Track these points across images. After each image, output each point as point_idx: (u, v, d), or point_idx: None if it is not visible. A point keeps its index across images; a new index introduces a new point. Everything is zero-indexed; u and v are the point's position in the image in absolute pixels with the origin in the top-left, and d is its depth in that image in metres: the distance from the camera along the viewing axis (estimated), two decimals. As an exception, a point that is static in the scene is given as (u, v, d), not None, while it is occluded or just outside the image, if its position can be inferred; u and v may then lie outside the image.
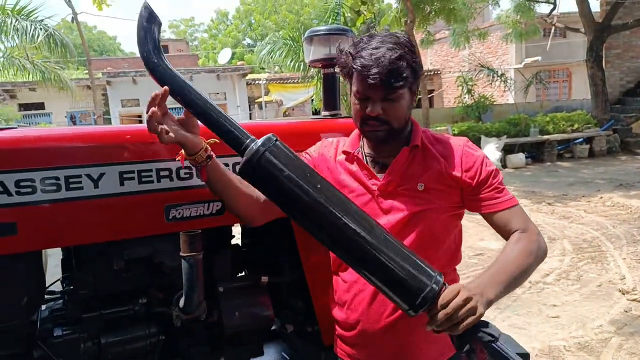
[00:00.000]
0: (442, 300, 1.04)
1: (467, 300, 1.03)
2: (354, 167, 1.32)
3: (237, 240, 1.88)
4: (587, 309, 3.86)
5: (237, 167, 1.20)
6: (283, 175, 1.11)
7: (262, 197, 1.26)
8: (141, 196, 1.36)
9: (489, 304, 1.07)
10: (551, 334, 3.44)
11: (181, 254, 1.30)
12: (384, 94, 1.20)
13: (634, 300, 3.93)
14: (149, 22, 1.18)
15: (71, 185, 1.27)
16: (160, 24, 1.20)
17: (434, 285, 1.04)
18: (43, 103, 18.26)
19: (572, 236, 5.81)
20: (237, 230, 1.91)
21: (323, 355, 1.72)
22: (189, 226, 1.38)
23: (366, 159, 1.33)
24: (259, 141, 1.14)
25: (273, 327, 1.99)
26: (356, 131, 1.37)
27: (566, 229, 6.14)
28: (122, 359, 1.47)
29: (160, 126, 1.16)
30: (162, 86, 1.17)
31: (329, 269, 1.43)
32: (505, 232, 1.27)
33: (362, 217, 1.12)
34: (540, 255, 1.22)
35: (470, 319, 1.02)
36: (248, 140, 1.16)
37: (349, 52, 1.24)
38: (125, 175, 1.34)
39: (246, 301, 1.57)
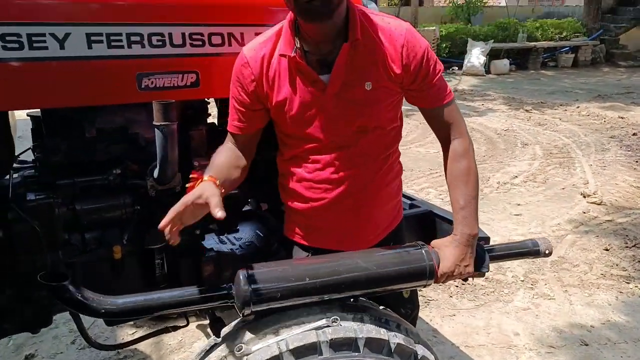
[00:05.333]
0: (441, 277, 1.25)
1: (458, 267, 1.24)
2: (295, 70, 1.22)
3: (213, 119, 1.85)
4: (549, 209, 4.07)
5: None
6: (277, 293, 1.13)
7: (242, 148, 1.34)
8: (111, 61, 1.31)
9: (475, 240, 1.27)
10: (512, 230, 3.65)
11: (154, 122, 1.28)
12: None
13: (593, 203, 4.15)
14: None
15: (34, 44, 1.20)
16: None
17: (429, 263, 1.22)
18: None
19: (544, 142, 5.94)
20: (213, 111, 1.88)
21: (295, 232, 1.79)
22: (163, 96, 1.34)
23: (307, 59, 1.22)
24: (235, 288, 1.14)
25: (249, 207, 2.05)
26: (288, 29, 1.23)
27: (539, 135, 6.26)
28: (99, 226, 1.50)
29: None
30: None
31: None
32: (438, 130, 1.32)
33: (343, 261, 1.21)
34: (473, 155, 1.33)
35: (465, 274, 1.27)
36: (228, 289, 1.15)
37: None
38: (93, 38, 1.28)
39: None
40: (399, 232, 1.50)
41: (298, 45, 1.21)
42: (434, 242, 1.30)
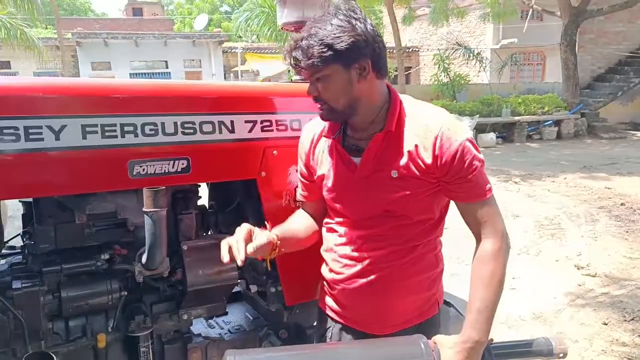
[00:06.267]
0: None
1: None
2: (334, 150, 1.32)
3: (204, 201, 1.88)
4: (544, 282, 4.03)
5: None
6: None
7: (312, 214, 1.45)
8: (104, 151, 1.35)
9: (483, 347, 1.17)
10: (508, 305, 3.58)
11: (144, 209, 1.30)
12: (309, 74, 1.20)
13: (587, 274, 4.12)
14: None
15: (31, 136, 1.25)
16: None
17: (426, 357, 1.13)
18: (9, 62, 17.52)
19: (534, 214, 6.00)
20: (204, 192, 1.91)
21: (286, 314, 1.76)
22: (153, 183, 1.37)
23: (345, 142, 1.32)
24: None
25: (238, 289, 2.03)
26: None
27: (530, 206, 6.34)
28: (84, 313, 1.48)
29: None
30: None
31: None
32: (472, 226, 1.26)
33: (335, 352, 1.19)
34: (507, 258, 1.24)
35: None
36: None
37: None
38: (88, 129, 1.33)
39: (210, 260, 1.58)
40: (429, 327, 1.37)
41: (341, 128, 1.32)
42: (437, 338, 1.20)
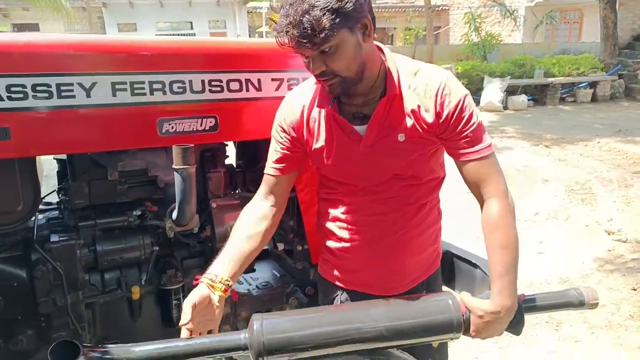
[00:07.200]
0: (473, 330, 1.14)
1: (487, 335, 1.15)
2: (332, 120, 1.25)
3: (231, 160, 1.90)
4: (573, 247, 3.98)
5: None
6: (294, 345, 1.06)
7: (277, 192, 1.33)
8: (134, 108, 1.36)
9: (513, 312, 1.15)
10: (534, 268, 3.56)
11: (174, 166, 1.32)
12: (314, 50, 1.09)
13: (618, 240, 4.04)
14: None
15: (63, 93, 1.27)
16: None
17: (455, 314, 1.12)
18: (37, 24, 17.70)
19: (565, 178, 5.86)
20: (231, 151, 1.92)
21: (312, 272, 1.79)
22: (182, 140, 1.39)
23: (342, 110, 1.26)
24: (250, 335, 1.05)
25: (265, 247, 2.06)
26: None
27: (561, 171, 6.19)
28: (118, 266, 1.54)
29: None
30: None
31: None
32: (473, 186, 1.23)
33: (365, 311, 1.14)
34: (514, 217, 1.23)
35: (496, 334, 1.17)
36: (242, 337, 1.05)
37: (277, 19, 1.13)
38: (117, 86, 1.34)
39: (238, 216, 1.61)
40: (435, 280, 1.43)
41: (335, 97, 1.24)
42: (467, 300, 1.16)
